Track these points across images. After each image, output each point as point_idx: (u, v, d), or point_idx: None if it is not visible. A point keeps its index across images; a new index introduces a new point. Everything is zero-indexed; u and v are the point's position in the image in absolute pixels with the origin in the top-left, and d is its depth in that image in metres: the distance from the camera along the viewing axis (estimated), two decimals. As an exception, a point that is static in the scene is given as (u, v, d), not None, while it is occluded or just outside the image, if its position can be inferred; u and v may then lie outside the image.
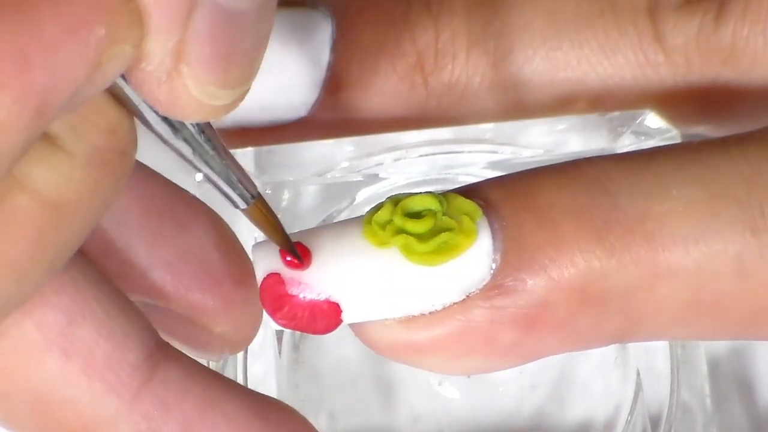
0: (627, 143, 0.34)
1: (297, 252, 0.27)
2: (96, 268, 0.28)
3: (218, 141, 0.25)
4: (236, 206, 0.26)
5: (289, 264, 0.27)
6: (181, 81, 0.23)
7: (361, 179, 0.35)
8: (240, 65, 0.23)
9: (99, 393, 0.27)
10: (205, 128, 0.25)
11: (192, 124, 0.25)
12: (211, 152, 0.25)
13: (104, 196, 0.25)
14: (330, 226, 0.28)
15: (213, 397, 0.28)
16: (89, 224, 0.25)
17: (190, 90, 0.23)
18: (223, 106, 0.23)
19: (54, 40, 0.21)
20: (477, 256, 0.27)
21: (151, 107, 0.24)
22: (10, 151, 0.21)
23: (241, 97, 0.24)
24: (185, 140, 0.25)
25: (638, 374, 0.34)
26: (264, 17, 0.23)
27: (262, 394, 0.29)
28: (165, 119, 0.24)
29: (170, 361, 0.28)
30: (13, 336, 0.26)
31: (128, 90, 0.23)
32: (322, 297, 0.27)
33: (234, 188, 0.26)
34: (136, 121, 0.25)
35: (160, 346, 0.28)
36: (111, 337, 0.27)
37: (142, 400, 0.27)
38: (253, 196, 0.26)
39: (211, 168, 0.25)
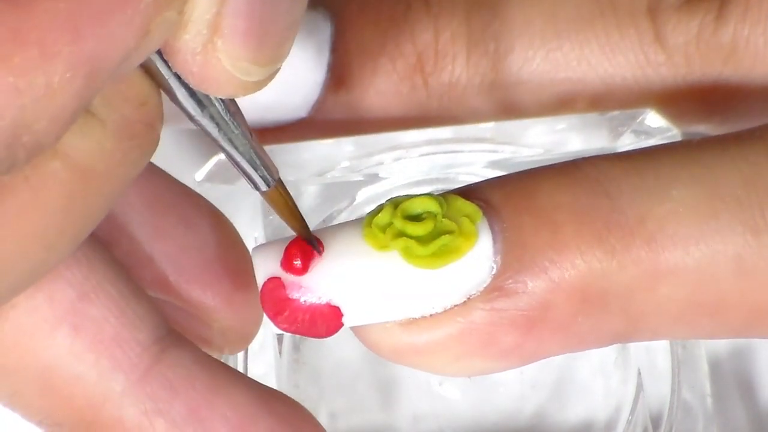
0: (627, 142, 0.34)
1: (314, 240, 0.27)
2: (107, 249, 0.28)
3: (243, 121, 0.25)
4: (257, 188, 0.27)
5: (288, 269, 0.27)
6: (215, 54, 0.23)
7: (362, 179, 0.35)
8: (272, 43, 0.23)
9: (106, 370, 0.27)
10: (231, 107, 0.25)
11: (219, 101, 0.25)
12: (236, 131, 0.25)
13: (130, 169, 0.25)
14: (330, 229, 0.28)
15: (220, 384, 0.28)
16: (114, 196, 0.25)
17: (222, 63, 0.23)
18: (254, 82, 0.24)
19: (105, 8, 0.21)
20: (477, 259, 0.27)
21: (180, 81, 0.24)
22: (62, 117, 0.21)
23: (272, 76, 0.24)
24: (212, 117, 0.25)
25: (639, 374, 0.34)
26: None
27: (269, 387, 0.29)
28: (193, 95, 0.24)
29: (179, 347, 0.28)
30: (24, 309, 0.26)
31: (159, 63, 0.24)
32: (323, 301, 0.27)
33: (256, 169, 0.26)
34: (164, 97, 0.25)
35: (169, 333, 0.28)
36: (121, 316, 0.27)
37: (149, 381, 0.27)
38: (274, 180, 0.27)
39: (236, 147, 0.26)
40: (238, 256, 0.31)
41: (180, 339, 0.28)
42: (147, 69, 0.24)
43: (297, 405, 0.29)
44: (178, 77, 0.24)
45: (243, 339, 0.32)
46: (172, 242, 0.30)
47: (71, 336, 0.27)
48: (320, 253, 0.27)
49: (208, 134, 0.25)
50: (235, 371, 0.29)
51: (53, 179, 0.23)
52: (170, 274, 0.30)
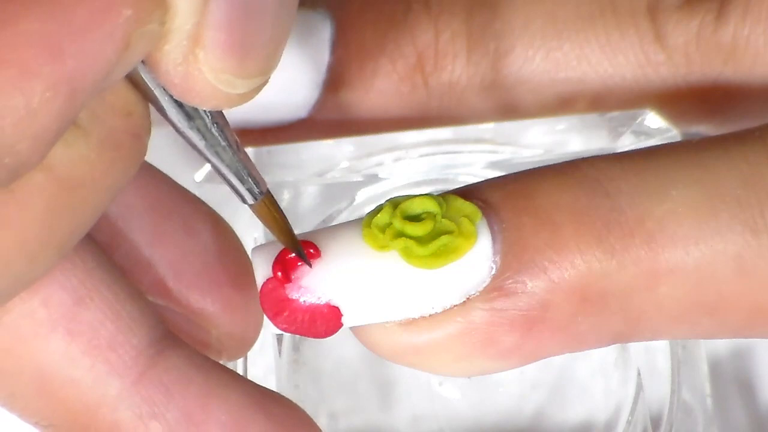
0: (627, 143, 0.34)
1: (303, 252, 0.27)
2: (105, 253, 0.28)
3: (231, 133, 0.25)
4: (244, 201, 0.26)
5: (275, 278, 0.27)
6: (197, 65, 0.23)
7: (361, 179, 0.35)
8: (257, 56, 0.23)
9: (102, 374, 0.27)
10: (218, 119, 0.25)
11: (206, 113, 0.25)
12: (223, 143, 0.25)
13: (116, 179, 0.25)
14: (329, 229, 0.28)
15: (216, 387, 0.28)
16: (100, 207, 0.25)
17: (205, 75, 0.23)
18: (239, 95, 0.23)
19: (84, 25, 0.21)
20: (477, 259, 0.27)
21: (166, 93, 0.24)
22: (45, 137, 0.21)
23: (259, 89, 0.24)
24: (198, 130, 0.25)
25: (639, 374, 0.34)
26: (285, 9, 0.23)
27: (266, 388, 0.29)
28: (180, 106, 0.24)
29: (175, 349, 0.28)
30: (20, 313, 0.26)
31: (144, 73, 0.23)
32: (322, 301, 0.27)
33: (243, 182, 0.26)
34: (152, 109, 0.25)
35: (165, 335, 0.28)
36: (117, 320, 0.27)
37: (144, 385, 0.27)
38: (261, 192, 0.26)
39: (222, 160, 0.25)
40: (238, 261, 0.31)
41: (176, 341, 0.28)
42: (133, 79, 0.24)
43: (293, 406, 0.29)
44: (163, 88, 0.24)
45: (242, 345, 0.32)
46: (172, 247, 0.30)
47: (66, 340, 0.27)
48: (310, 264, 0.27)
49: (194, 146, 0.25)
50: (231, 372, 0.29)
51: (36, 191, 0.23)
52: (169, 279, 0.30)
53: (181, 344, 0.28)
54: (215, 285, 0.31)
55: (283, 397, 0.29)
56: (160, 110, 0.24)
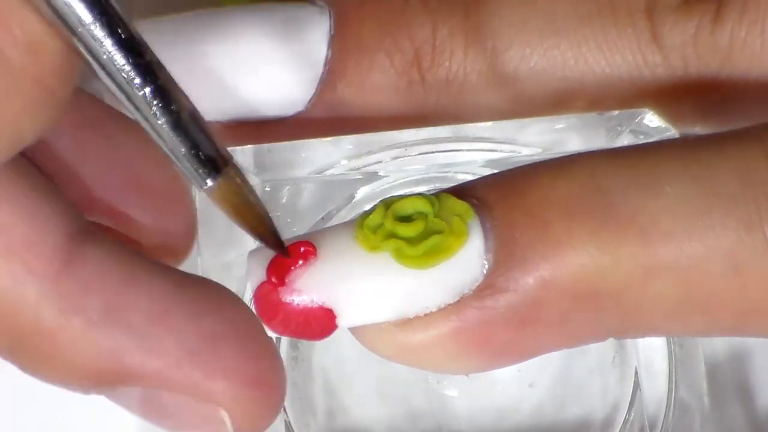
0: (625, 142, 0.34)
1: (284, 247, 0.27)
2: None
3: (176, 96, 0.24)
4: (198, 186, 0.25)
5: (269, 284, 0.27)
6: None
7: (360, 177, 0.35)
8: None
9: (19, 275, 0.26)
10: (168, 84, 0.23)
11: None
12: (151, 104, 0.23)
13: (11, 119, 0.24)
14: (322, 231, 0.28)
15: (138, 276, 0.27)
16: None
17: None
18: None
19: None
20: (469, 257, 0.27)
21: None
22: None
23: None
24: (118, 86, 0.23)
25: (636, 373, 0.34)
26: None
27: (191, 274, 0.29)
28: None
29: (94, 244, 0.27)
30: None
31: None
32: (316, 303, 0.27)
33: (192, 160, 0.25)
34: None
35: (83, 230, 0.28)
36: (30, 220, 0.27)
37: (63, 281, 0.27)
38: (219, 170, 0.25)
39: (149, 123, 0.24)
40: (163, 170, 0.30)
41: (95, 236, 0.28)
42: (43, 11, 0.23)
43: (219, 287, 0.29)
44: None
45: (175, 254, 0.31)
46: (97, 159, 0.30)
47: None
48: (297, 261, 0.27)
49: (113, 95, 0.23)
50: (153, 262, 0.28)
51: None
52: (96, 191, 0.30)
53: (101, 238, 0.28)
54: (143, 194, 0.30)
55: (209, 280, 0.29)
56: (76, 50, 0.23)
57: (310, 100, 0.34)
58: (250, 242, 0.33)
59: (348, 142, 0.34)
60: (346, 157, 0.35)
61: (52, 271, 0.27)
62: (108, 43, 0.23)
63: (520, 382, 0.35)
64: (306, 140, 0.34)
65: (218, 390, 0.27)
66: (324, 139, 0.34)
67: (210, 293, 0.28)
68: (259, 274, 0.27)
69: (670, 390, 0.34)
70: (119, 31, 0.23)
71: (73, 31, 0.22)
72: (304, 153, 0.35)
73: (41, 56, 0.23)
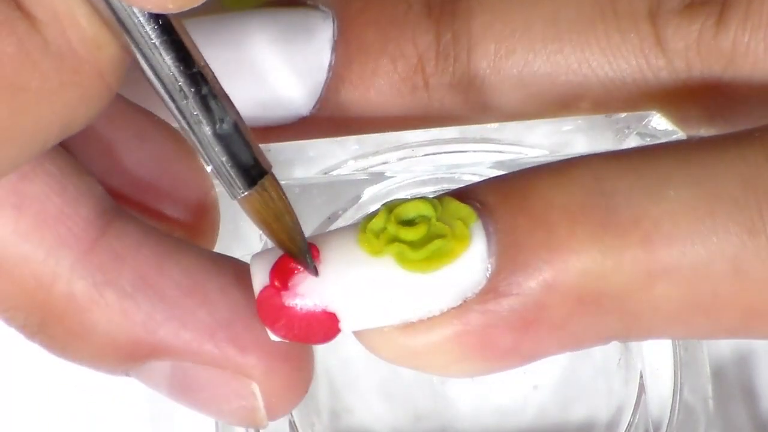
0: (633, 145, 0.34)
1: (306, 257, 0.27)
2: None
3: (222, 103, 0.24)
4: (232, 195, 0.26)
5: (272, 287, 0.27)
6: None
7: (367, 177, 0.35)
8: None
9: (53, 248, 0.27)
10: (215, 87, 0.24)
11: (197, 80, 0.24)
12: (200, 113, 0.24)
13: (66, 105, 0.24)
14: (325, 235, 0.28)
15: (168, 251, 0.28)
16: (45, 127, 0.24)
17: None
18: None
19: None
20: (472, 261, 0.27)
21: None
22: None
23: None
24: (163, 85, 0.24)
25: (641, 375, 0.34)
26: None
27: (218, 253, 0.29)
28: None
29: (124, 219, 0.28)
30: None
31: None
32: (319, 308, 0.27)
33: (232, 168, 0.25)
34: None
35: (113, 207, 0.28)
36: (63, 193, 0.27)
37: (96, 254, 0.27)
38: (257, 179, 0.25)
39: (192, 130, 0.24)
40: (193, 168, 0.31)
41: (125, 214, 0.28)
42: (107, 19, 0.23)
43: (248, 267, 0.29)
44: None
45: (206, 245, 0.31)
46: (126, 155, 0.30)
47: (15, 216, 0.26)
48: (313, 269, 0.27)
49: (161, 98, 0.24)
50: (182, 240, 0.28)
51: None
52: (124, 185, 0.30)
53: (130, 216, 0.28)
54: (171, 189, 0.30)
55: (238, 259, 0.29)
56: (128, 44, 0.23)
57: (315, 106, 0.34)
58: (256, 242, 0.33)
59: (354, 142, 0.34)
60: (352, 157, 0.35)
61: (85, 243, 0.27)
62: (160, 46, 0.24)
63: (525, 384, 0.35)
64: (312, 140, 0.34)
65: (250, 363, 0.28)
66: (330, 139, 0.34)
67: (241, 270, 0.28)
68: (262, 278, 0.27)
69: (674, 392, 0.34)
70: (173, 36, 0.24)
71: (128, 33, 0.23)
72: (310, 153, 0.35)
73: (103, 51, 0.24)
